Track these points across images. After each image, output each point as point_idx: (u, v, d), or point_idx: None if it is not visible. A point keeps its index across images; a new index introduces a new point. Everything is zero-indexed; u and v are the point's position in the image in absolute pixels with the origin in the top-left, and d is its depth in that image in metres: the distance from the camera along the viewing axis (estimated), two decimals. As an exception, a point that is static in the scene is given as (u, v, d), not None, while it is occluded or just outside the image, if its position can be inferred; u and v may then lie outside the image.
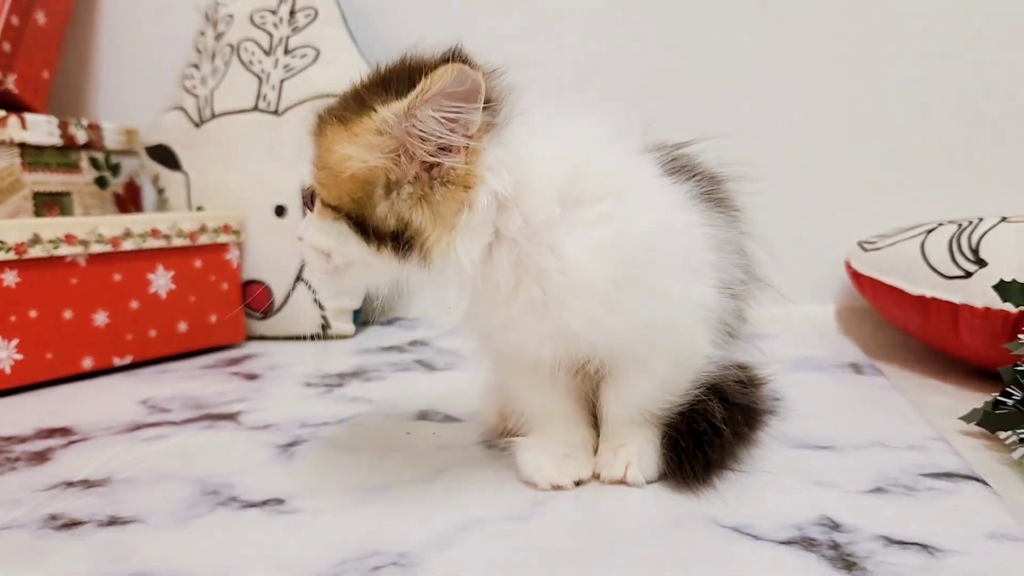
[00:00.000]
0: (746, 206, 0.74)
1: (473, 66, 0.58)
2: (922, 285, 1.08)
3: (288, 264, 1.38)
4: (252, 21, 1.44)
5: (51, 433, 0.88)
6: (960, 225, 1.10)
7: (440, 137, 0.58)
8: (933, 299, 1.06)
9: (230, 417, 0.93)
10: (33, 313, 1.08)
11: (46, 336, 1.10)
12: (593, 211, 0.61)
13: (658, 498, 0.66)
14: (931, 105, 1.35)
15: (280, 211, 1.38)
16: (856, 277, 1.25)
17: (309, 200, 0.65)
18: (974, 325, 1.00)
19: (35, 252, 1.07)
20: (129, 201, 1.55)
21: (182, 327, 1.27)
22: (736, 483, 0.67)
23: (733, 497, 0.64)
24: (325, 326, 1.39)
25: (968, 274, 1.02)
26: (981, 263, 1.01)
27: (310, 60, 1.40)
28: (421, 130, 0.58)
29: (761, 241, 0.74)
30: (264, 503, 0.67)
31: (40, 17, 1.52)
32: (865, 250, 1.24)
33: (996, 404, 0.80)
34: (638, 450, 0.69)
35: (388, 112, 0.58)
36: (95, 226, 1.14)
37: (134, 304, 1.20)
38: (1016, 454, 0.74)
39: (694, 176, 0.69)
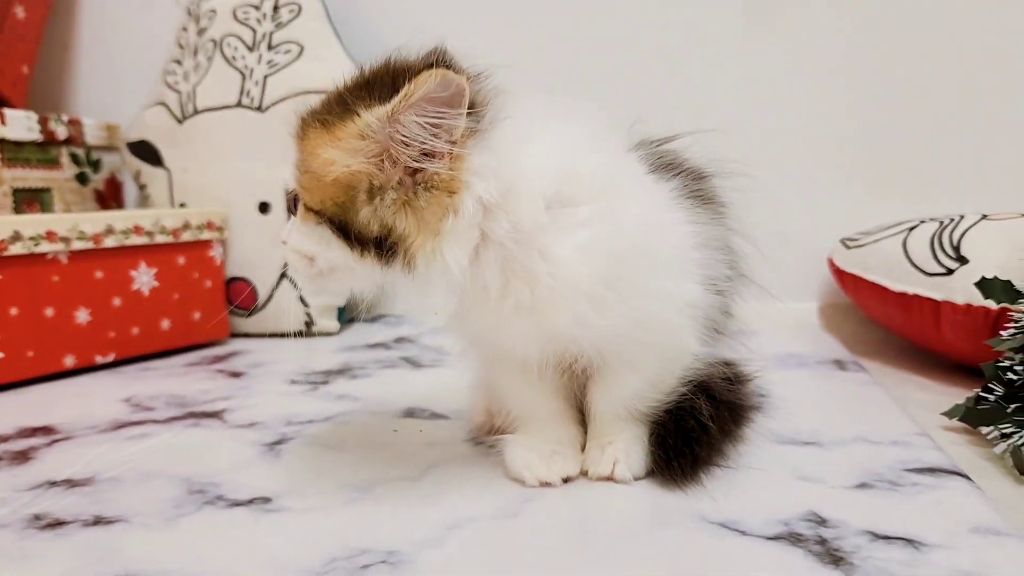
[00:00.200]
0: (731, 202, 0.74)
1: (457, 71, 0.58)
2: (904, 282, 1.09)
3: (272, 261, 1.38)
4: (235, 17, 1.43)
5: (33, 432, 0.87)
6: (941, 223, 1.11)
7: (424, 142, 0.57)
8: (915, 296, 1.07)
9: (215, 415, 0.92)
10: (14, 311, 1.07)
11: (27, 334, 1.08)
12: (580, 212, 0.61)
13: (646, 494, 0.66)
14: (913, 104, 1.36)
15: (264, 208, 1.37)
16: (839, 274, 1.26)
17: (292, 204, 0.65)
18: (955, 321, 1.01)
19: (16, 249, 1.06)
20: (110, 198, 1.54)
21: (165, 325, 1.26)
22: (723, 479, 0.68)
23: (720, 493, 0.65)
24: (309, 323, 1.39)
25: (950, 271, 1.03)
26: (962, 260, 1.02)
27: (294, 56, 1.39)
28: (404, 135, 0.57)
29: (746, 237, 0.75)
30: (251, 502, 0.66)
31: (19, 11, 1.50)
32: (848, 247, 1.25)
33: (978, 400, 0.81)
34: (626, 447, 0.69)
35: (371, 117, 0.58)
36: (76, 223, 1.13)
37: (117, 301, 1.19)
38: (998, 449, 0.74)
39: (679, 173, 0.70)
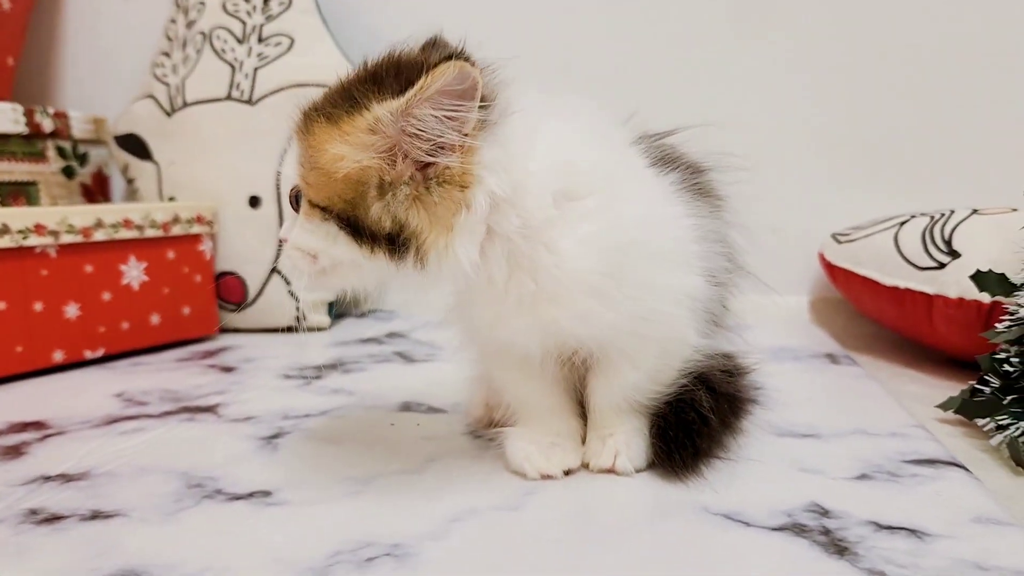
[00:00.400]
0: (727, 196, 0.75)
1: (472, 63, 0.57)
2: (896, 276, 1.10)
3: (262, 256, 1.37)
4: (225, 9, 1.41)
5: (24, 427, 0.86)
6: (932, 217, 1.11)
7: (438, 136, 0.56)
8: (907, 290, 1.07)
9: (209, 410, 0.91)
10: (2, 305, 1.05)
11: (15, 329, 1.07)
12: (583, 206, 0.61)
13: (647, 486, 0.66)
14: (903, 100, 1.37)
15: (254, 202, 1.36)
16: (830, 269, 1.27)
17: (295, 201, 0.63)
18: (948, 315, 1.02)
19: (3, 242, 1.04)
20: (97, 191, 1.52)
21: (155, 319, 1.24)
22: (724, 471, 0.68)
23: (722, 485, 0.65)
24: (300, 318, 1.38)
25: (941, 265, 1.04)
26: (954, 254, 1.03)
27: (284, 48, 1.38)
28: (418, 129, 0.56)
29: (743, 230, 0.75)
30: (251, 495, 0.66)
31: (4, 2, 1.48)
32: (839, 242, 1.26)
33: (974, 392, 0.82)
34: (626, 439, 0.69)
35: (382, 110, 0.57)
36: (65, 216, 1.11)
37: (106, 296, 1.18)
38: (994, 441, 0.75)
39: (678, 167, 0.70)
